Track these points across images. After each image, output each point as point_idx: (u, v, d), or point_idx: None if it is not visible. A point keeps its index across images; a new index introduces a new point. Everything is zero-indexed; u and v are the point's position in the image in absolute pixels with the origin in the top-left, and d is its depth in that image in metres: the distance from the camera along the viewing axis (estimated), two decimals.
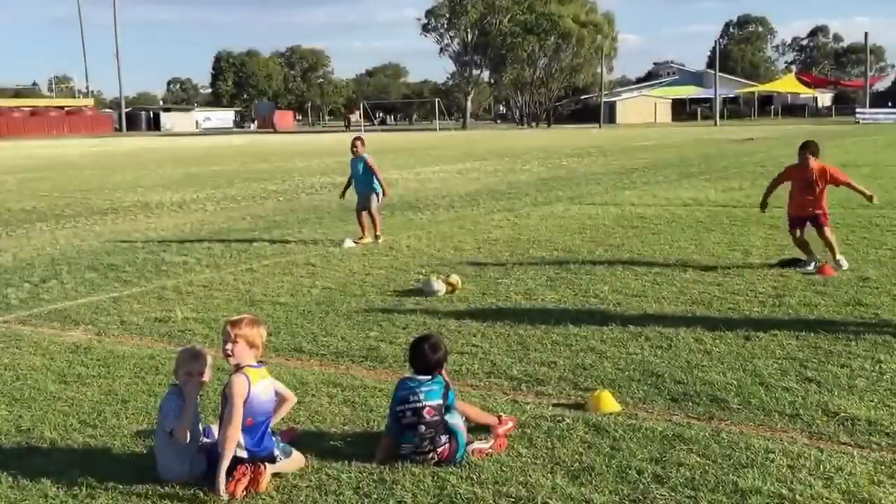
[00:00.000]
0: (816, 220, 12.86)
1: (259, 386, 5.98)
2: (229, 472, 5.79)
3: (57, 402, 7.72)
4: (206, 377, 6.18)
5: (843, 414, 6.90)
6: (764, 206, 13.82)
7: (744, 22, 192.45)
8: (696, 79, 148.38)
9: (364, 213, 16.89)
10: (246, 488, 5.76)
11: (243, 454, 5.92)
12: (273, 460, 5.98)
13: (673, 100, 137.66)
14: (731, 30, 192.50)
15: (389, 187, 18.38)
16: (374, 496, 5.68)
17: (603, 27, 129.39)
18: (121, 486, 5.89)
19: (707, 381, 7.80)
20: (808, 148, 12.93)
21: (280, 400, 6.38)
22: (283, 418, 6.73)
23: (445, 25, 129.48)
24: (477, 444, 6.36)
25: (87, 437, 6.86)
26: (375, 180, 16.82)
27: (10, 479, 6.09)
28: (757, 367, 8.15)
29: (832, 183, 12.97)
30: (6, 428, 7.14)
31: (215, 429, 6.24)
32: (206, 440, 6.18)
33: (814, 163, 12.84)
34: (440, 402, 6.25)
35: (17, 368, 8.81)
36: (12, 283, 13.36)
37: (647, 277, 12.47)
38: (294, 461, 6.13)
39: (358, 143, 16.95)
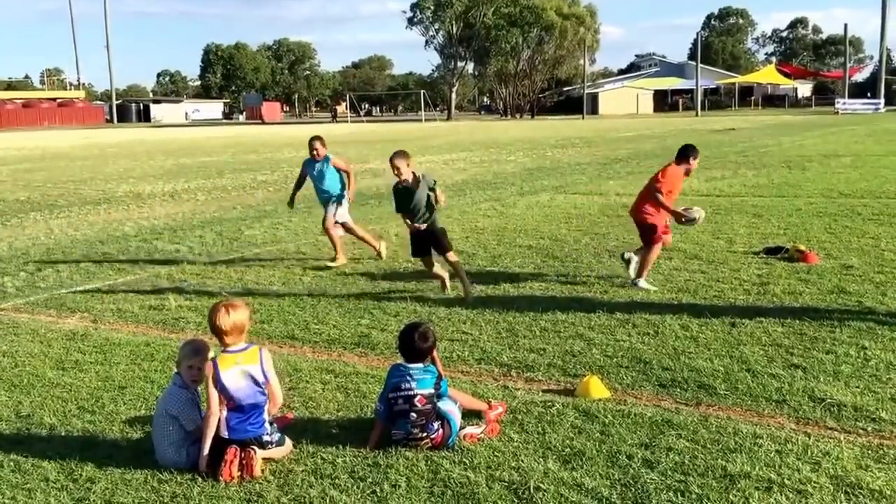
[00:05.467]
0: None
1: (229, 372, 6.01)
2: (220, 456, 5.89)
3: (55, 388, 7.81)
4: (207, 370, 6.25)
5: (829, 400, 7.01)
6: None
7: (725, 14, 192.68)
8: (677, 70, 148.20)
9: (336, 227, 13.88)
10: (241, 474, 5.84)
11: (225, 433, 6.01)
12: (262, 445, 6.05)
13: (655, 91, 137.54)
14: (713, 22, 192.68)
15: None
16: (369, 479, 5.77)
17: (585, 19, 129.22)
18: (120, 471, 5.98)
19: (694, 367, 7.91)
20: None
21: (268, 392, 6.22)
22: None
23: (431, 18, 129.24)
24: (469, 429, 6.45)
25: (85, 422, 6.95)
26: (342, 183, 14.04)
27: (11, 463, 6.18)
28: (743, 354, 8.26)
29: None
30: (6, 414, 7.22)
31: None
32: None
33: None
34: (432, 391, 6.33)
35: (15, 355, 8.90)
36: (8, 271, 13.43)
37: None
38: (283, 449, 6.22)
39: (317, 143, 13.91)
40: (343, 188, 13.89)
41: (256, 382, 6.06)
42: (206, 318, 6.37)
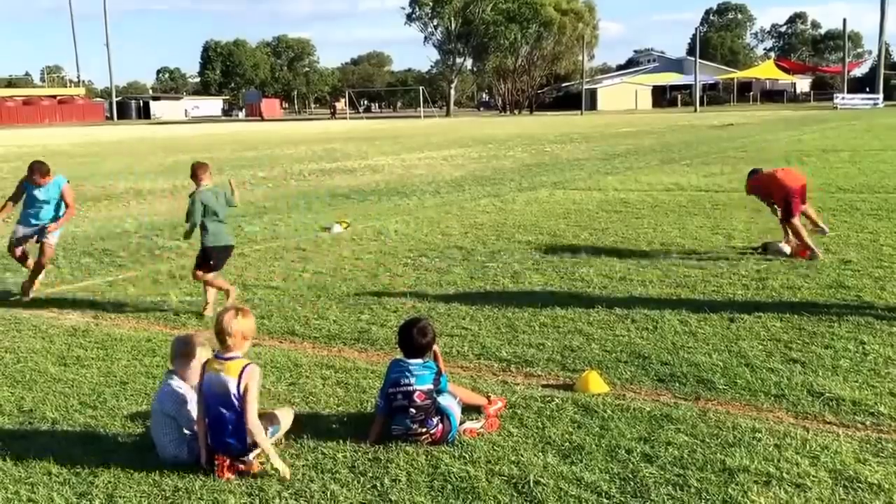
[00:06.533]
0: None
1: (207, 376, 5.95)
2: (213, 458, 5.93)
3: (57, 383, 7.85)
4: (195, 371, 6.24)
5: (827, 394, 7.03)
6: None
7: (723, 10, 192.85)
8: (675, 66, 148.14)
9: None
10: (239, 474, 5.86)
11: (210, 440, 6.01)
12: (247, 453, 5.93)
13: (653, 87, 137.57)
14: (711, 17, 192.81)
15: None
16: (370, 474, 5.80)
17: (584, 15, 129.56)
18: (121, 465, 6.01)
19: (693, 362, 7.93)
20: None
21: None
22: (282, 398, 6.82)
23: (429, 14, 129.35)
24: (469, 424, 6.48)
25: (87, 417, 6.99)
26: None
27: (14, 457, 6.21)
28: (742, 349, 8.28)
29: None
30: (9, 409, 7.26)
31: None
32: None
33: None
34: (431, 386, 6.35)
35: (17, 351, 8.94)
36: (10, 267, 13.37)
37: (631, 261, 12.59)
38: (282, 430, 6.23)
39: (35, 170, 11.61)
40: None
41: (228, 397, 5.88)
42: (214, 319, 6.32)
